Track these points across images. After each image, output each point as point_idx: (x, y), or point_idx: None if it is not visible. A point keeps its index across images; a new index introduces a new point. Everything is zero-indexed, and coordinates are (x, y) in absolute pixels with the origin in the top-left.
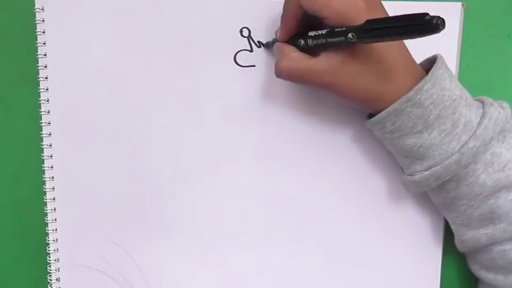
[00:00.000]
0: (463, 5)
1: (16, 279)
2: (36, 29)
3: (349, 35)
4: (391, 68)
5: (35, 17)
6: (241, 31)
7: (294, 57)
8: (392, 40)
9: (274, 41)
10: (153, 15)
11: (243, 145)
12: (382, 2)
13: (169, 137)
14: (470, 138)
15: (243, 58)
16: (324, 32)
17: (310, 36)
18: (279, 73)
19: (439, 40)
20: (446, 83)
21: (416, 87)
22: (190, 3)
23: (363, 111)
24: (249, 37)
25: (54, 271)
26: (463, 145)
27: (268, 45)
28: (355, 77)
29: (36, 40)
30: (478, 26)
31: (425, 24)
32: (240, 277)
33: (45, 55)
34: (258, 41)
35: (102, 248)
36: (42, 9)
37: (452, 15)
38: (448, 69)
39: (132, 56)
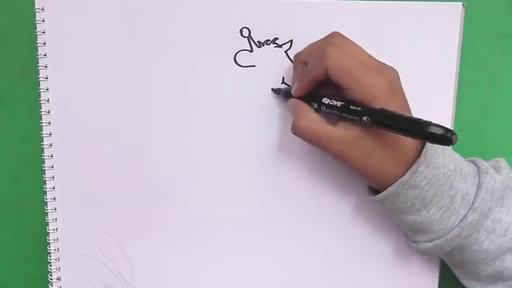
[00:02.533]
0: (463, 5)
1: (16, 278)
2: (36, 29)
3: (364, 118)
4: (402, 149)
5: (35, 17)
6: (241, 31)
7: (313, 118)
8: (403, 135)
9: (286, 90)
10: (153, 15)
11: (243, 145)
12: (384, 2)
13: (169, 136)
14: (468, 211)
15: (243, 58)
16: (338, 104)
17: (324, 103)
18: (296, 131)
19: (440, 41)
20: (439, 160)
21: (410, 170)
22: (190, 3)
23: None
24: (249, 37)
25: (55, 270)
26: (462, 219)
27: (278, 92)
28: (368, 152)
29: (37, 40)
30: (478, 26)
31: (439, 137)
32: (240, 278)
33: (45, 55)
34: (258, 41)
35: (102, 247)
36: (42, 9)
37: (453, 15)
38: None
39: (132, 56)
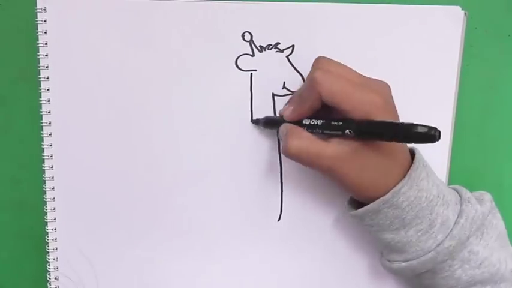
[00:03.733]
0: (465, 13)
1: (16, 278)
2: (37, 29)
3: (347, 131)
4: (394, 162)
5: (37, 18)
6: (243, 35)
7: (305, 136)
8: (389, 141)
9: (267, 119)
10: (155, 18)
11: (243, 148)
12: (385, 5)
13: (170, 139)
14: (446, 237)
15: (245, 62)
16: (319, 122)
17: (305, 124)
18: (288, 150)
19: (442, 45)
20: (423, 184)
21: (394, 190)
22: (192, 6)
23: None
24: (251, 41)
25: (53, 270)
26: (439, 244)
27: (257, 122)
28: (361, 168)
29: (37, 40)
30: (478, 26)
31: (421, 135)
32: (238, 279)
33: (46, 55)
34: (260, 46)
35: (101, 247)
36: (44, 9)
37: (454, 20)
38: (426, 166)
39: (133, 58)
